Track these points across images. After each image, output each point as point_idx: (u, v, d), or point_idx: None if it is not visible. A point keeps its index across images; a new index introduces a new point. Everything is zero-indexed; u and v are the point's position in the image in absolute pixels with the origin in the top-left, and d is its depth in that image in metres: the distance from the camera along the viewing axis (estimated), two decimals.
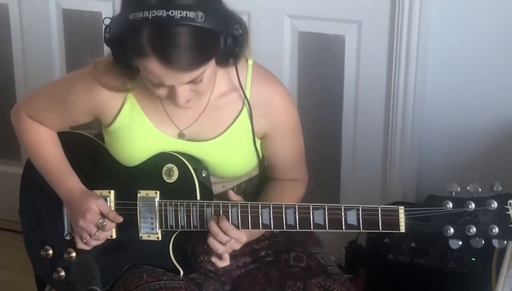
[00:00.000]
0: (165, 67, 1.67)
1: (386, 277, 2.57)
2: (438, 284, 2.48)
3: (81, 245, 1.97)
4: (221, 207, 1.85)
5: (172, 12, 1.64)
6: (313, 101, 2.91)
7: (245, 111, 1.90)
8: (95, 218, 1.92)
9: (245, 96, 1.89)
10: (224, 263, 1.88)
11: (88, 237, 1.94)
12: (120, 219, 1.94)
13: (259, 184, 2.05)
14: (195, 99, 1.80)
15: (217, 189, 1.96)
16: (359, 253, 2.67)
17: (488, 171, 2.70)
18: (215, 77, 1.83)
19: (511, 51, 2.61)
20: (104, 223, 1.92)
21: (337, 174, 2.95)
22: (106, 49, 3.16)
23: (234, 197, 1.87)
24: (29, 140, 2.03)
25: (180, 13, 1.64)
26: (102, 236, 1.94)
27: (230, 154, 1.93)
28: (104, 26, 1.77)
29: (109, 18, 1.76)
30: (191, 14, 1.65)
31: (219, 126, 1.91)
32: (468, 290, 2.41)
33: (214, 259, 1.88)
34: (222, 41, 1.72)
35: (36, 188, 2.06)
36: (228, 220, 1.84)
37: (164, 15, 1.64)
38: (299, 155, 2.05)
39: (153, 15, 1.64)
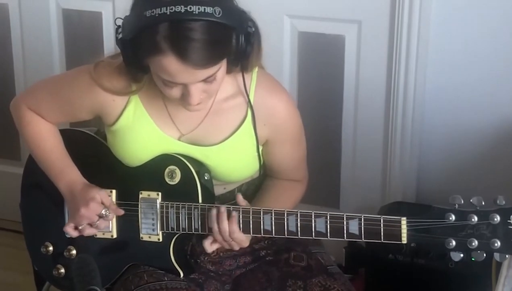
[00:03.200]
0: (181, 63, 1.66)
1: (386, 277, 2.58)
2: (438, 284, 2.48)
3: (72, 232, 1.95)
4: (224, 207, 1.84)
5: (190, 8, 1.63)
6: (313, 101, 2.91)
7: (249, 118, 1.90)
8: (98, 208, 1.92)
9: (250, 103, 1.88)
10: (211, 248, 1.87)
11: (85, 224, 1.93)
12: (121, 212, 1.94)
13: (259, 185, 2.05)
14: (205, 102, 1.80)
15: (218, 190, 1.96)
16: (359, 253, 2.67)
17: (488, 171, 2.70)
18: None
19: (511, 51, 2.61)
20: (108, 214, 1.92)
21: (337, 174, 2.95)
22: (106, 49, 3.16)
23: (242, 202, 1.86)
24: (29, 133, 2.02)
25: (199, 8, 1.63)
26: (103, 225, 1.94)
27: (233, 159, 1.93)
28: (115, 27, 1.75)
29: (121, 19, 1.75)
30: (209, 9, 1.64)
31: (223, 132, 1.91)
32: (468, 290, 2.41)
33: (205, 243, 1.87)
34: (236, 39, 1.71)
35: (38, 184, 2.06)
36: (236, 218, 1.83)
37: (183, 10, 1.63)
38: (300, 160, 2.05)
39: (171, 10, 1.63)
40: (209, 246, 1.88)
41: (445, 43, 2.68)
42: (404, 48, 2.68)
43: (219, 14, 1.65)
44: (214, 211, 1.84)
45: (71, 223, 1.95)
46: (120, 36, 1.72)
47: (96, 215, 1.92)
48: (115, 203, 1.96)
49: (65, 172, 1.98)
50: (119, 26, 1.74)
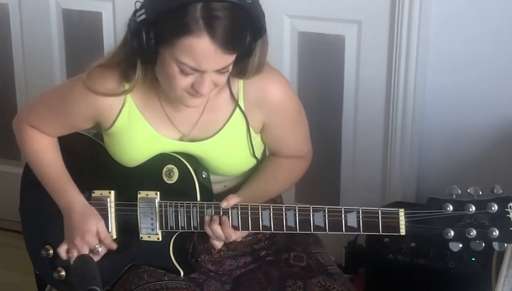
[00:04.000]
0: (211, 44, 1.66)
1: (386, 277, 2.58)
2: (438, 284, 2.48)
3: (63, 255, 1.96)
4: (221, 208, 1.85)
5: None
6: (313, 101, 2.91)
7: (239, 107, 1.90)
8: (93, 241, 1.93)
9: (232, 94, 1.87)
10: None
11: (75, 253, 1.93)
12: (114, 246, 1.95)
13: None
14: (206, 97, 1.80)
15: (218, 188, 1.96)
16: (359, 253, 2.67)
17: (488, 171, 2.70)
18: None
19: (511, 51, 2.61)
20: (100, 249, 1.93)
21: (337, 174, 2.95)
22: (106, 49, 3.16)
23: (227, 203, 1.85)
24: (29, 149, 2.02)
25: None
26: (90, 254, 1.93)
27: (229, 151, 1.93)
28: (135, 9, 1.73)
29: (140, 1, 1.73)
30: None
31: (217, 124, 1.91)
32: (468, 290, 2.41)
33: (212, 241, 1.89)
34: (256, 29, 1.73)
35: (37, 187, 2.06)
36: (229, 221, 1.84)
37: None
38: (302, 139, 2.03)
39: None
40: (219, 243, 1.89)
41: (445, 43, 2.68)
42: (404, 48, 2.68)
43: (250, 0, 1.69)
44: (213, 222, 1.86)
45: (65, 246, 1.96)
46: (143, 17, 1.70)
47: (89, 248, 1.93)
48: (113, 204, 1.96)
49: (63, 190, 1.98)
50: (137, 9, 1.72)
